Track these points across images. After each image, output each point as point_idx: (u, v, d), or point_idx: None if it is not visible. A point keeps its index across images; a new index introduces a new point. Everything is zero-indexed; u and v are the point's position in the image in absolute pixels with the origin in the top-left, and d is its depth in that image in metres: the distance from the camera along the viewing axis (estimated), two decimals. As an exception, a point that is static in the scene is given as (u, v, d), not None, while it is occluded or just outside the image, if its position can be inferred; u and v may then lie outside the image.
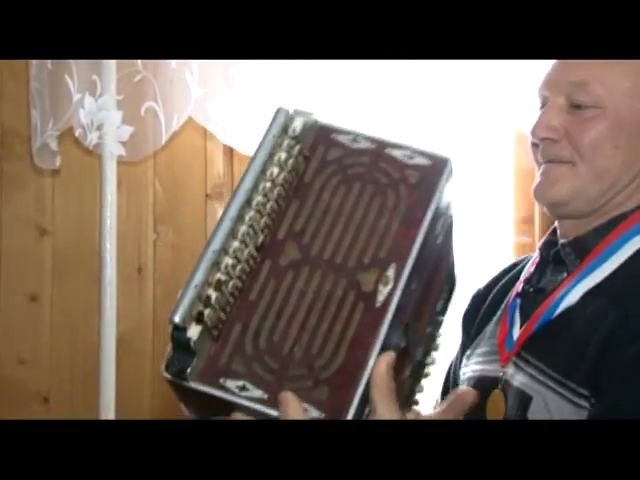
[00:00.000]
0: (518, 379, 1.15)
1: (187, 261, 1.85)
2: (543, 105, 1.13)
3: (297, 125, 0.77)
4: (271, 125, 0.74)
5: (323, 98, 1.70)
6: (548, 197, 1.13)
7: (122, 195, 1.80)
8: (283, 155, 0.76)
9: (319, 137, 0.79)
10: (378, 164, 0.78)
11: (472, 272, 2.04)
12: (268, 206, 0.74)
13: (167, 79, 1.66)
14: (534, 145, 1.13)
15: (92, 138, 1.71)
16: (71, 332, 1.83)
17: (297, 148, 0.76)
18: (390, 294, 0.73)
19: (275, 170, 0.75)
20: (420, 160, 0.80)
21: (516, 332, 1.19)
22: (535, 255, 1.22)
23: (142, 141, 1.74)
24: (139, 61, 1.68)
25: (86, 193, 1.82)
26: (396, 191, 0.77)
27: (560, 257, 1.15)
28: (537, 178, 1.13)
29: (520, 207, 1.93)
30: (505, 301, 1.24)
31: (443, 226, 0.82)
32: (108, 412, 1.74)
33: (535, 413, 1.12)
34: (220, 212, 1.82)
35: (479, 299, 1.29)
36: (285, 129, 0.76)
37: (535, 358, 1.15)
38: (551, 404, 1.11)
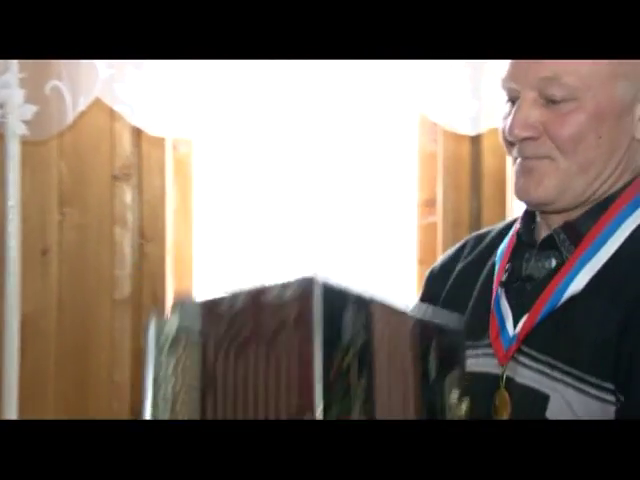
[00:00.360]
0: (526, 377, 1.12)
1: (93, 242, 1.86)
2: (512, 99, 1.10)
3: (171, 327, 0.83)
4: (147, 341, 0.82)
5: (229, 76, 1.70)
6: (535, 197, 1.10)
7: (26, 175, 1.78)
8: (172, 363, 0.83)
9: (204, 319, 0.84)
10: (259, 319, 0.81)
11: (378, 254, 2.10)
12: (180, 414, 0.82)
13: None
14: (509, 143, 1.11)
15: (-6, 117, 1.71)
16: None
17: (182, 344, 0.82)
18: None
19: (171, 382, 0.83)
20: (291, 293, 0.82)
21: (510, 326, 1.16)
22: (507, 241, 1.19)
23: (47, 120, 1.73)
24: (43, 39, 1.63)
25: (-12, 173, 1.81)
26: (284, 337, 0.81)
27: (549, 243, 1.13)
28: (517, 176, 1.11)
29: (424, 189, 1.94)
30: (477, 288, 1.22)
31: (357, 329, 0.85)
32: (11, 393, 1.74)
33: (555, 413, 1.09)
34: (128, 194, 1.61)
35: (436, 281, 1.28)
36: (159, 338, 0.83)
37: (543, 353, 1.11)
38: (573, 402, 1.08)
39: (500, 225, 1.27)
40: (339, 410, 0.80)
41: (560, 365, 1.07)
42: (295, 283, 0.81)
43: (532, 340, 1.10)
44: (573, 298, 1.07)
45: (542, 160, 1.07)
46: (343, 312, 0.84)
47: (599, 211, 1.09)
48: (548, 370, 1.08)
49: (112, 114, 1.79)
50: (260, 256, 2.06)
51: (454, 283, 1.23)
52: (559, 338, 1.08)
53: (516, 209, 1.76)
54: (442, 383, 0.96)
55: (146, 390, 0.83)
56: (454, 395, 0.97)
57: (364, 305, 0.88)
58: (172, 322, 0.86)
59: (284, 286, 0.81)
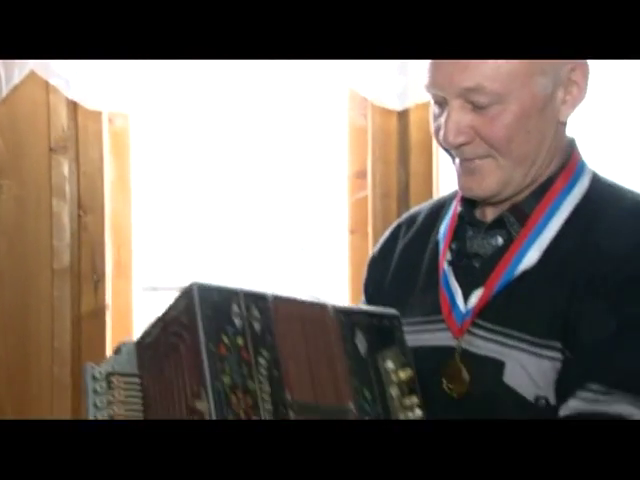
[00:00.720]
0: (482, 347, 1.16)
1: (31, 214, 1.88)
2: (438, 102, 1.13)
3: (100, 371, 0.99)
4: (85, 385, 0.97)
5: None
6: (480, 193, 1.15)
7: (-39, 148, 1.77)
8: (105, 401, 0.99)
9: (138, 353, 1.01)
10: (167, 336, 0.98)
11: (311, 224, 2.12)
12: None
13: (8, 31, 1.61)
14: (446, 149, 1.15)
15: None
16: None
17: (114, 384, 0.99)
18: (208, 407, 0.94)
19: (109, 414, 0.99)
20: (180, 303, 0.98)
21: (460, 301, 1.20)
22: (448, 222, 1.24)
23: (-20, 94, 1.74)
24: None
25: None
26: (185, 340, 0.96)
27: (497, 223, 1.18)
28: (460, 175, 1.15)
29: (354, 162, 1.95)
30: (423, 267, 1.26)
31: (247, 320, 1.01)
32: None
33: (512, 377, 1.14)
34: (65, 166, 1.69)
35: (378, 264, 1.32)
36: (94, 383, 0.98)
37: (497, 324, 1.16)
38: (527, 365, 1.13)
39: (428, 204, 1.34)
40: (233, 381, 0.94)
41: (514, 333, 1.13)
42: (180, 294, 0.97)
43: (486, 313, 1.15)
44: (525, 272, 1.13)
45: (483, 159, 1.12)
46: (230, 306, 0.98)
47: (541, 192, 1.15)
48: (502, 339, 1.14)
49: (47, 87, 1.79)
50: (196, 225, 2.06)
51: (397, 264, 1.28)
52: (512, 310, 1.14)
53: (442, 181, 1.93)
54: (375, 360, 1.06)
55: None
56: (390, 368, 1.07)
57: (257, 297, 1.02)
58: (104, 367, 1.02)
59: (175, 301, 0.98)
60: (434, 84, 1.10)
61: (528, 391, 1.14)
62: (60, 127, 1.84)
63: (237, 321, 0.99)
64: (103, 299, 1.97)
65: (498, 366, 1.13)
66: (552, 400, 1.14)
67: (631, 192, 1.20)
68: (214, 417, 0.92)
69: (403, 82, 1.82)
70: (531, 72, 1.09)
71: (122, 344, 1.04)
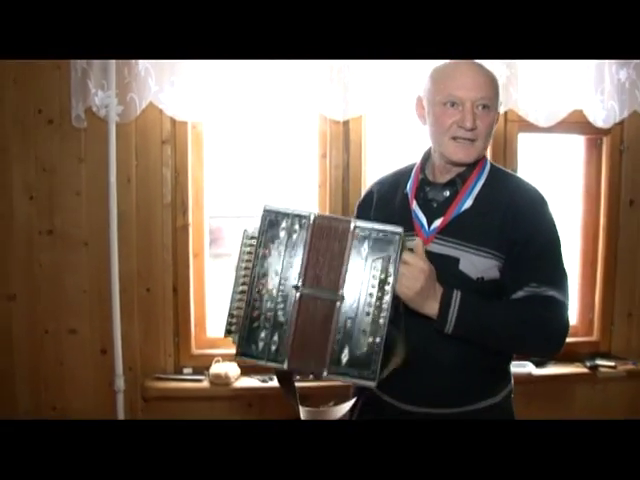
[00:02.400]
0: (443, 250, 1.38)
1: (152, 175, 2.48)
2: (454, 103, 1.37)
3: (250, 231, 1.19)
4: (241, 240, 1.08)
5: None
6: (465, 160, 1.40)
7: None
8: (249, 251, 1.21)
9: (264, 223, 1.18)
10: (259, 230, 1.21)
11: (292, 183, 2.35)
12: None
13: None
14: (446, 130, 1.37)
15: None
16: None
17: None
18: (250, 280, 1.24)
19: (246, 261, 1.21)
20: (259, 218, 1.20)
21: (426, 225, 1.41)
22: (412, 181, 1.48)
23: None
24: None
25: None
26: (256, 239, 1.22)
27: (449, 182, 1.43)
28: (453, 148, 1.40)
29: (320, 149, 2.56)
30: (396, 207, 1.46)
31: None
32: None
33: (464, 266, 1.36)
34: (169, 150, 2.50)
35: (363, 207, 1.56)
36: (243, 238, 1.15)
37: (452, 237, 1.38)
38: (475, 261, 1.36)
39: (390, 175, 1.59)
40: (264, 270, 1.21)
41: (464, 243, 1.36)
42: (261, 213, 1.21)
43: (444, 232, 1.39)
44: (465, 210, 1.39)
45: (473, 142, 1.40)
46: (280, 223, 1.22)
47: (471, 169, 1.44)
48: (457, 246, 1.36)
49: (160, 109, 2.34)
50: (239, 182, 2.54)
51: (376, 205, 1.51)
52: (460, 230, 1.38)
53: (368, 161, 2.51)
54: (368, 262, 1.22)
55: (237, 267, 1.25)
56: (376, 269, 1.23)
57: (301, 216, 1.23)
58: (253, 228, 1.24)
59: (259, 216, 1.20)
60: (456, 92, 1.36)
61: (472, 274, 1.38)
62: (166, 130, 2.47)
63: (282, 233, 1.20)
64: (187, 220, 2.54)
65: (455, 260, 1.35)
66: (486, 278, 1.39)
67: (506, 171, 1.51)
68: (245, 290, 1.24)
69: (344, 105, 2.40)
70: (496, 97, 1.42)
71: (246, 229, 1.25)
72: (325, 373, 1.22)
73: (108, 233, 2.42)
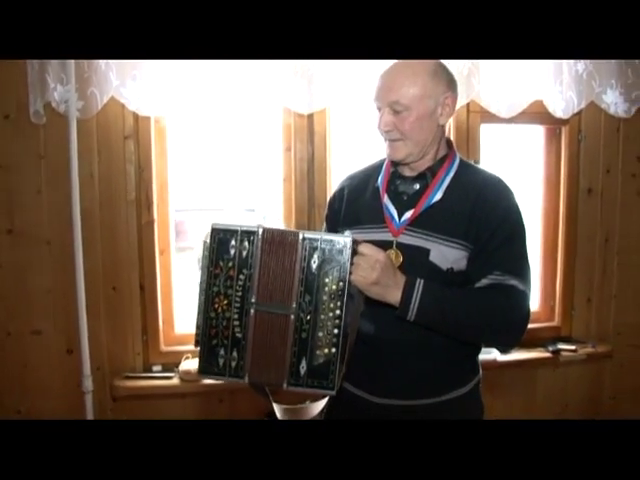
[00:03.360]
0: (413, 241, 1.39)
1: (114, 172, 2.44)
2: (378, 108, 1.41)
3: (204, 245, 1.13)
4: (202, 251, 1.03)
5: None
6: (395, 158, 1.44)
7: None
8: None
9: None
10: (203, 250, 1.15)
11: (259, 176, 2.54)
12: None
13: None
14: (385, 139, 1.41)
15: None
16: None
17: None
18: (203, 303, 1.23)
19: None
20: (207, 236, 1.16)
21: (396, 217, 1.43)
22: (383, 175, 1.51)
23: None
24: None
25: None
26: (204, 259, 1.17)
27: (419, 176, 1.47)
28: (386, 147, 1.44)
29: (285, 142, 2.55)
30: (367, 200, 1.49)
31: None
32: None
33: (434, 257, 1.38)
34: (132, 146, 2.46)
35: (335, 201, 1.58)
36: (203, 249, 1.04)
37: (422, 229, 1.40)
38: (445, 252, 1.38)
39: (360, 171, 1.62)
40: (219, 289, 1.20)
41: (434, 234, 1.38)
42: (209, 231, 1.20)
43: (414, 224, 1.41)
44: (435, 203, 1.42)
45: (398, 141, 1.43)
46: (229, 240, 1.21)
47: (441, 162, 1.48)
48: (427, 237, 1.38)
49: (121, 104, 2.30)
50: (202, 174, 2.68)
51: (348, 200, 1.54)
52: (430, 222, 1.40)
53: (333, 152, 2.51)
54: (319, 275, 1.23)
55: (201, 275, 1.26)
56: (327, 281, 1.24)
57: (250, 232, 1.21)
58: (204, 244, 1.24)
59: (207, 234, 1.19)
60: (377, 97, 1.41)
61: (443, 265, 1.41)
62: (128, 125, 2.43)
63: (232, 251, 1.21)
64: (152, 216, 2.53)
65: (425, 251, 1.37)
66: (455, 269, 1.41)
67: (474, 165, 1.55)
68: (202, 309, 1.25)
69: (309, 98, 2.41)
70: (423, 96, 1.40)
71: (205, 241, 1.24)
72: (285, 385, 1.25)
73: (72, 231, 2.37)
